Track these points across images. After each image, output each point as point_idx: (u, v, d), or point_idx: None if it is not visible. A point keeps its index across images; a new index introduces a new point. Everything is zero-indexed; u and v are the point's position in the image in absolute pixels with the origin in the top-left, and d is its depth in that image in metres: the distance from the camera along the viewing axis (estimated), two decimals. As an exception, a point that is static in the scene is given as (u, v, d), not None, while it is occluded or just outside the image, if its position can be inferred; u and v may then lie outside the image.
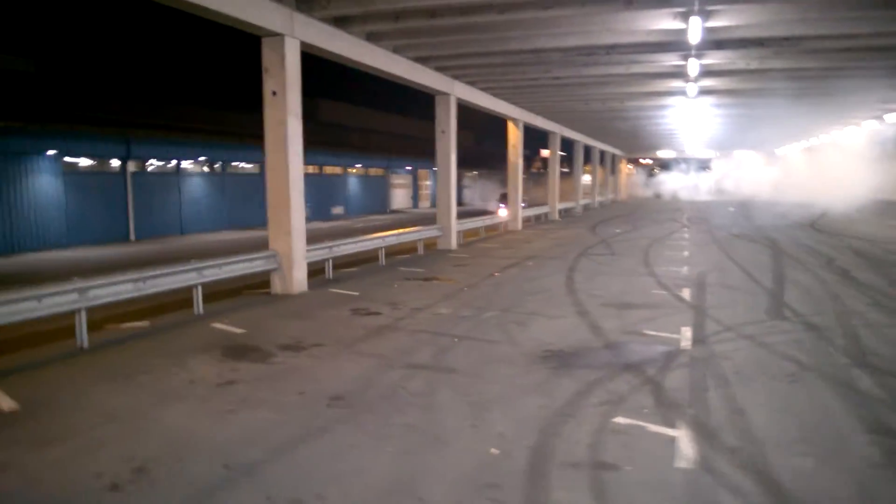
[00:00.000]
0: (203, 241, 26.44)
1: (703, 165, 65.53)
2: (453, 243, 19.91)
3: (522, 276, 14.11)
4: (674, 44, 14.61)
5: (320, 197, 41.09)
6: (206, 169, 31.69)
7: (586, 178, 46.11)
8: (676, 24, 12.66)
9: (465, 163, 60.41)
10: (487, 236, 24.06)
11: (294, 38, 11.77)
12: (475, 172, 62.23)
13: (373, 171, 48.66)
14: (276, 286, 12.17)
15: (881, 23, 12.66)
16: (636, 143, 52.96)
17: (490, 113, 24.18)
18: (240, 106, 45.06)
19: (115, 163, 26.55)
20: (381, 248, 16.26)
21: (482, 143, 65.84)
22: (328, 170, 42.98)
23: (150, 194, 27.80)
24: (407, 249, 18.47)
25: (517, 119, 26.27)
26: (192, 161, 30.57)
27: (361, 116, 56.20)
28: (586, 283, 13.01)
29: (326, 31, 12.83)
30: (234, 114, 40.57)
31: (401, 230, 17.49)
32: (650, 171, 68.73)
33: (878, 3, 11.55)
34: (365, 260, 16.28)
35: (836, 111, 27.49)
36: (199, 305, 10.31)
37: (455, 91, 19.57)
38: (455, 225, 20.19)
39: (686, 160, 64.47)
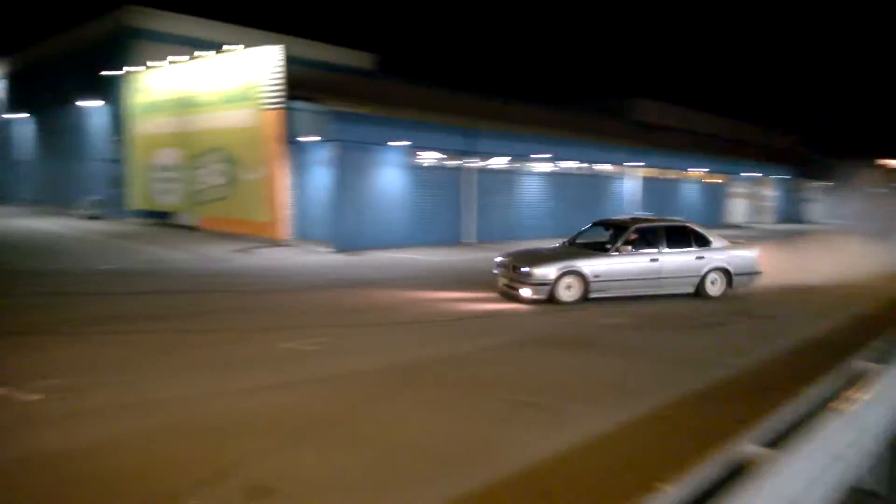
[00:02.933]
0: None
1: None
2: None
3: None
4: None
5: (658, 205, 35.25)
6: (543, 168, 27.76)
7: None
8: None
9: (799, 173, 49.47)
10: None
11: None
12: (825, 184, 50.66)
13: (707, 179, 41.15)
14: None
15: None
16: None
17: None
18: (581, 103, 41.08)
19: (455, 161, 23.66)
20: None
21: (814, 149, 53.40)
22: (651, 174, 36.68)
23: (492, 194, 24.62)
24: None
25: None
26: (533, 158, 26.84)
27: (675, 115, 48.57)
28: None
29: None
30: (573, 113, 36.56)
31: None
32: None
33: None
34: None
35: None
36: None
37: None
38: None
39: None
